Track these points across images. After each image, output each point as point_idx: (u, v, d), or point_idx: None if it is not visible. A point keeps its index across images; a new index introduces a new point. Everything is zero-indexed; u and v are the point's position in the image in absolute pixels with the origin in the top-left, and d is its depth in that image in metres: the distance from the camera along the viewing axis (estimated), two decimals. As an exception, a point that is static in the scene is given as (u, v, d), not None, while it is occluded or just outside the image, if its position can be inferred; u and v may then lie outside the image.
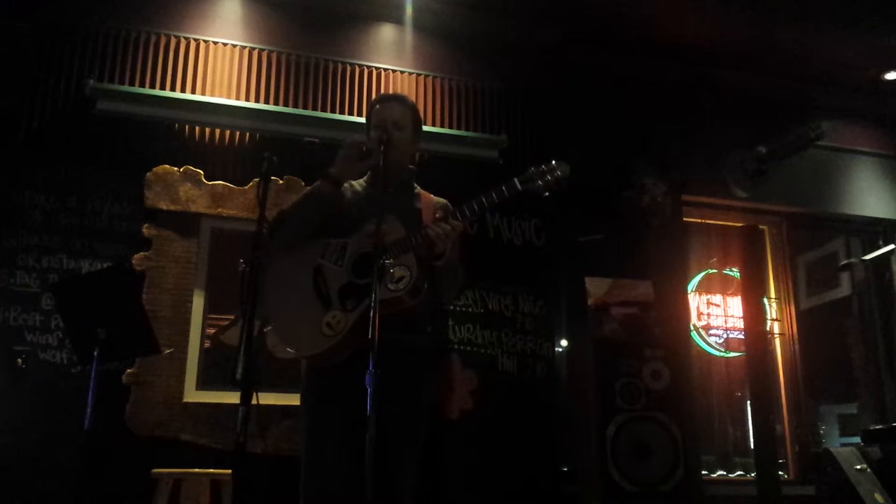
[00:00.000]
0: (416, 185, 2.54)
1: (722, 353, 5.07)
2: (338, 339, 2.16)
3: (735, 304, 5.05)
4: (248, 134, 4.05)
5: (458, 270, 2.35)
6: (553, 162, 2.24)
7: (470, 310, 4.16)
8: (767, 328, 4.92)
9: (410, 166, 2.54)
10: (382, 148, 2.22)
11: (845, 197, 5.29)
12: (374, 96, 4.30)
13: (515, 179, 2.21)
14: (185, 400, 3.62)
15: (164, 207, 3.78)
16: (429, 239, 2.17)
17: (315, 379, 2.29)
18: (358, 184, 2.52)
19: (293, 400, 3.23)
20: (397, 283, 2.16)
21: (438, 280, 2.32)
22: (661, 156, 4.68)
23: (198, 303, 3.76)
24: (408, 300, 2.19)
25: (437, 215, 2.23)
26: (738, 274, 4.86)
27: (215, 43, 4.11)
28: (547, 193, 2.21)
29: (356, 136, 2.35)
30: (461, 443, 3.89)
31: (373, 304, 1.92)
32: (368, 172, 2.52)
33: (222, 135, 4.03)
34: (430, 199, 2.50)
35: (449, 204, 2.47)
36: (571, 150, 4.44)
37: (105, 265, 3.59)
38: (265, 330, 2.33)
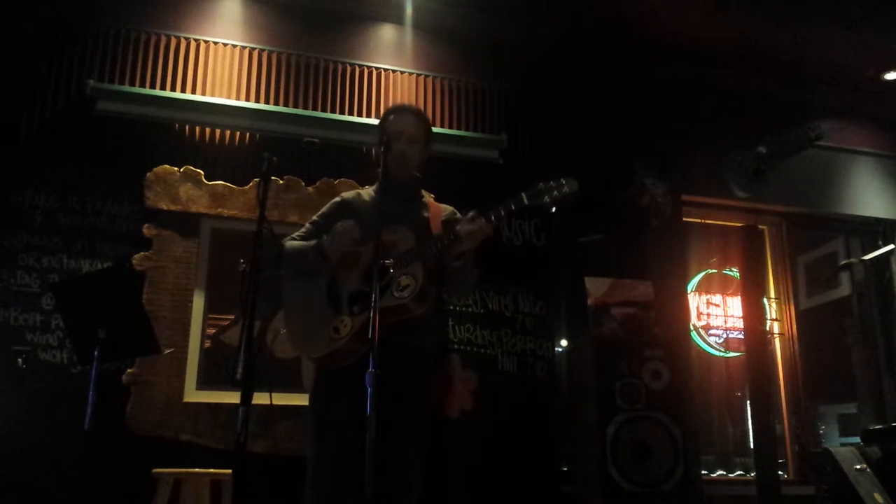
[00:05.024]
0: (423, 192, 2.56)
1: (722, 353, 5.08)
2: (341, 343, 2.20)
3: (735, 304, 5.05)
4: (248, 134, 4.05)
5: (473, 273, 2.36)
6: (562, 179, 2.21)
7: (470, 310, 4.16)
8: (767, 328, 4.92)
9: (417, 174, 2.53)
10: (384, 160, 2.27)
11: (845, 197, 5.29)
12: (374, 96, 4.31)
13: (522, 194, 2.21)
14: (186, 400, 3.62)
15: (165, 207, 3.78)
16: (458, 236, 2.18)
17: (323, 380, 2.33)
18: (366, 193, 2.56)
19: (293, 400, 3.25)
20: (402, 291, 2.19)
21: (453, 279, 2.34)
22: (661, 156, 4.68)
23: (198, 303, 3.76)
24: (413, 308, 2.22)
25: (470, 215, 2.22)
26: (738, 274, 4.86)
27: (215, 43, 4.11)
28: (554, 209, 2.20)
29: (347, 223, 2.35)
30: (461, 443, 3.88)
31: (373, 305, 1.94)
32: (377, 182, 2.54)
33: (222, 135, 4.03)
34: (437, 208, 2.52)
35: (455, 211, 2.49)
36: (571, 151, 4.49)
37: (105, 265, 3.61)
38: (282, 332, 2.39)
